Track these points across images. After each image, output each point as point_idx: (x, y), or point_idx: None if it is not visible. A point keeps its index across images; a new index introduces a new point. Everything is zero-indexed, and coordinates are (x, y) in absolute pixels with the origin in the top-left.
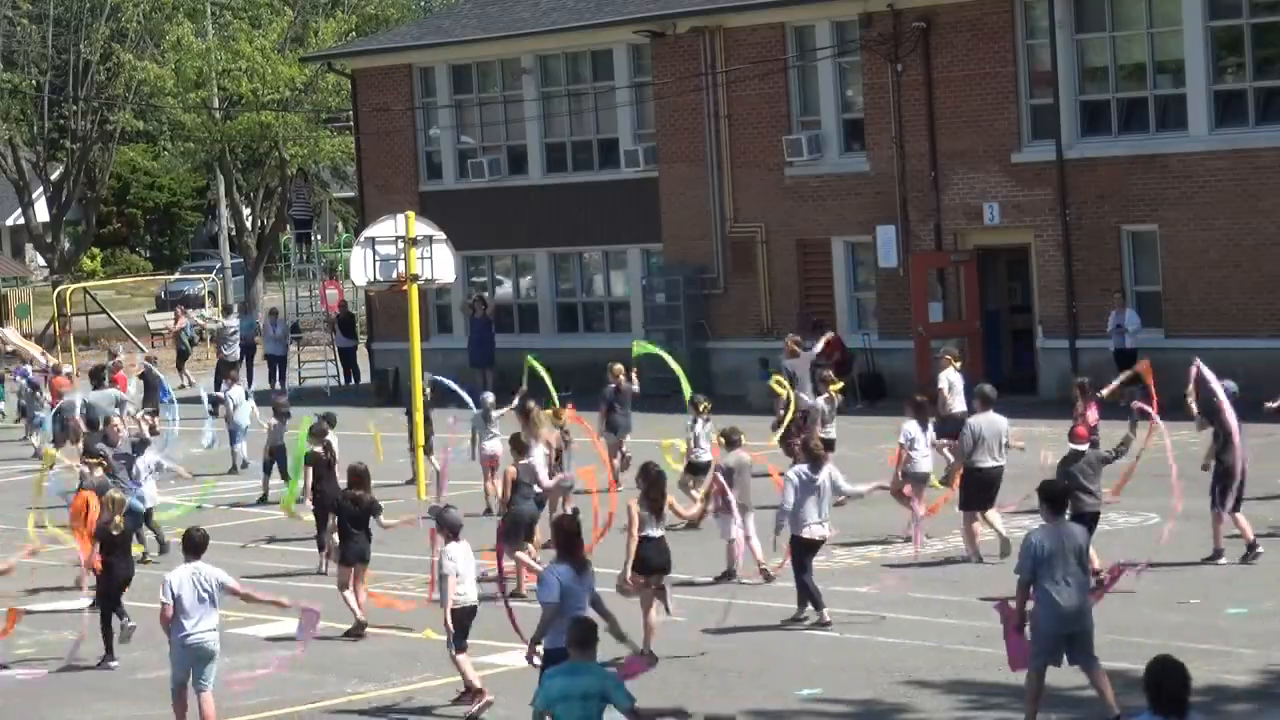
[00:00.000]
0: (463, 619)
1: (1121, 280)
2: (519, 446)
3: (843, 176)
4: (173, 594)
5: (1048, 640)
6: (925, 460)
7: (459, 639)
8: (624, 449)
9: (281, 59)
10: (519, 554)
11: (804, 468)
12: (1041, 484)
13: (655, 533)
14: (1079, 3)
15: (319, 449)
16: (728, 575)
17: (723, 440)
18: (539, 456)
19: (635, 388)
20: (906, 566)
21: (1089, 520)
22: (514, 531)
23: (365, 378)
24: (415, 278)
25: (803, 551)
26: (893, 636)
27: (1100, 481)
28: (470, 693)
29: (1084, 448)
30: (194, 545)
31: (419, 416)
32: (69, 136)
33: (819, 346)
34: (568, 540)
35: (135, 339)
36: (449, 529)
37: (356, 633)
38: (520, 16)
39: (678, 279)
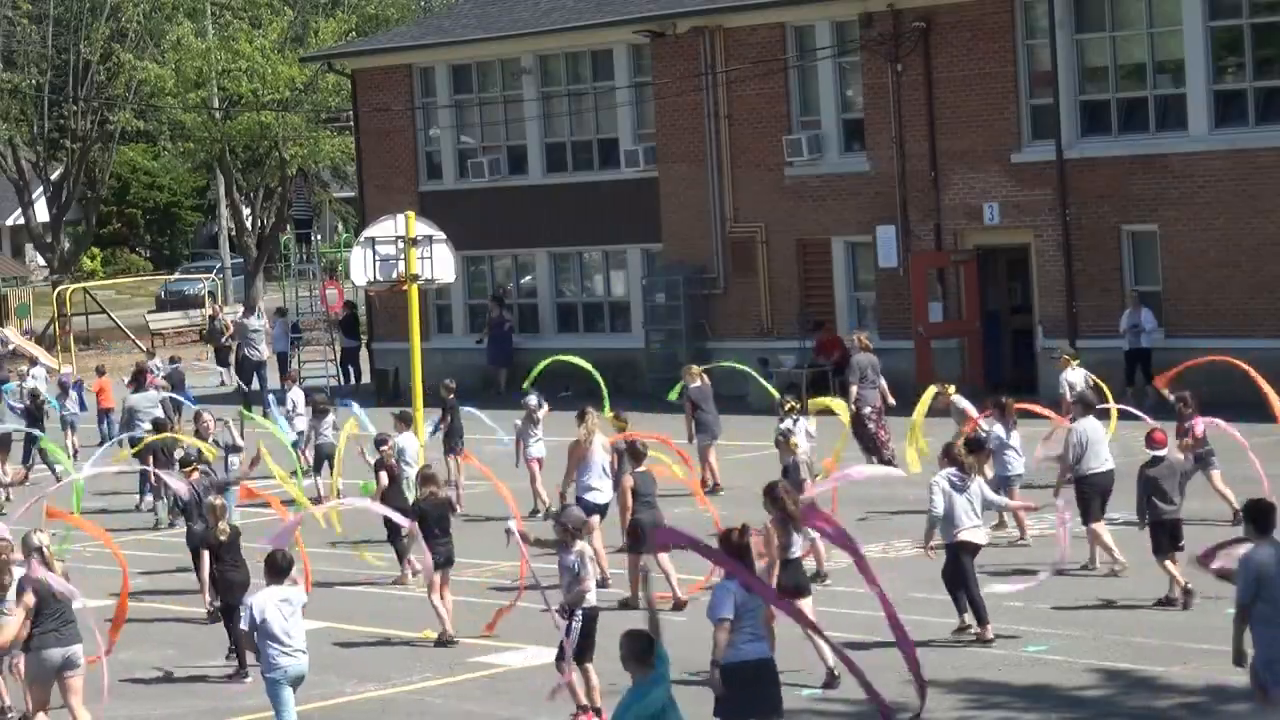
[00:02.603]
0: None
1: (1121, 280)
2: (636, 455)
3: (843, 176)
4: (254, 619)
5: (1269, 667)
6: (1018, 462)
7: (581, 649)
8: (711, 459)
9: (281, 59)
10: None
11: (951, 471)
12: (1248, 502)
13: (794, 553)
14: (1079, 3)
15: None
16: (818, 577)
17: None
18: (596, 461)
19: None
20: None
21: (1169, 529)
22: (637, 540)
23: (366, 378)
24: (415, 278)
25: (960, 556)
26: (893, 636)
27: (1181, 490)
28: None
29: (1163, 453)
30: (278, 569)
31: (419, 416)
32: (69, 136)
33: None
34: (735, 554)
35: (135, 339)
36: (570, 529)
37: (445, 641)
38: (520, 16)
39: (678, 279)
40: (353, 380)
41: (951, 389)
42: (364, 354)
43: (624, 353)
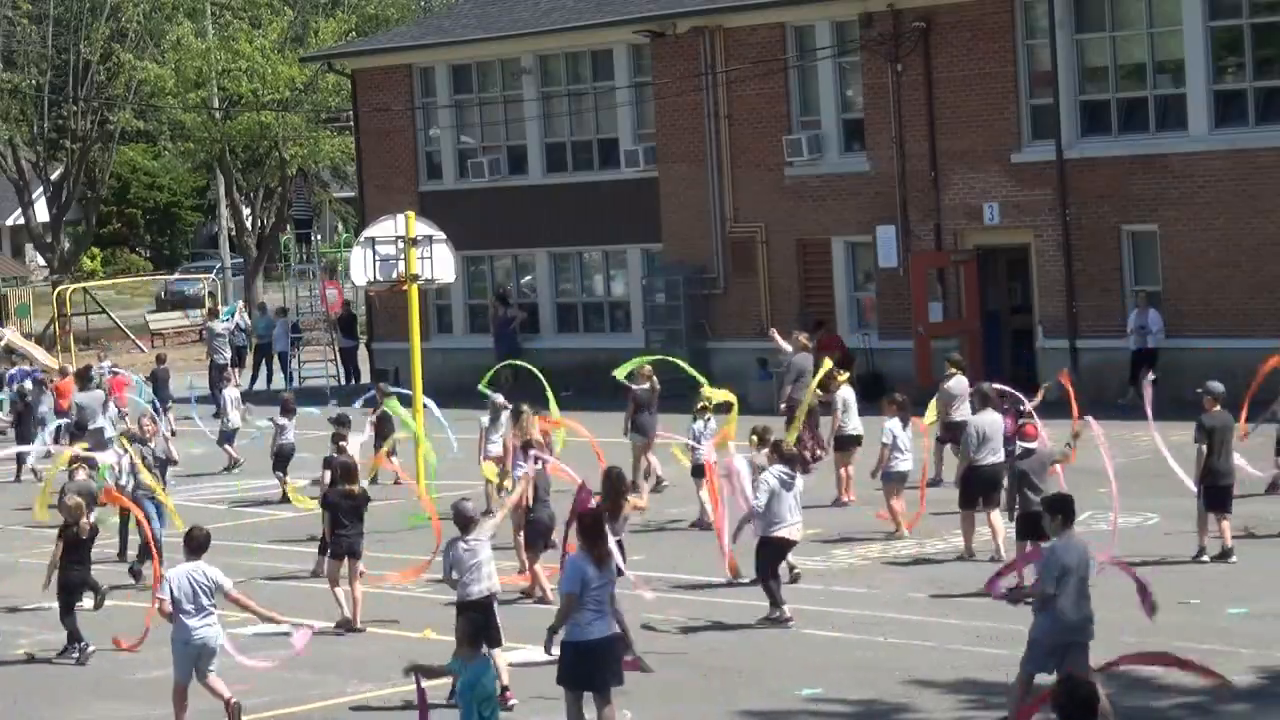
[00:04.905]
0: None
1: (1121, 280)
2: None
3: (843, 176)
4: (172, 592)
5: (1043, 649)
6: (905, 460)
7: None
8: (650, 455)
9: (281, 59)
10: (537, 566)
11: (781, 469)
12: (1048, 497)
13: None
14: (1079, 3)
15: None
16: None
17: (755, 438)
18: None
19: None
20: (905, 565)
21: (1035, 520)
22: (534, 538)
23: (365, 378)
24: (415, 278)
25: (773, 552)
26: (893, 636)
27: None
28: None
29: (1034, 445)
30: (196, 544)
31: (419, 417)
32: (69, 136)
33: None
34: (590, 533)
35: (135, 339)
36: (461, 521)
37: (345, 628)
38: (520, 16)
39: (678, 279)
40: (351, 380)
41: (844, 376)
42: (364, 354)
43: (624, 353)
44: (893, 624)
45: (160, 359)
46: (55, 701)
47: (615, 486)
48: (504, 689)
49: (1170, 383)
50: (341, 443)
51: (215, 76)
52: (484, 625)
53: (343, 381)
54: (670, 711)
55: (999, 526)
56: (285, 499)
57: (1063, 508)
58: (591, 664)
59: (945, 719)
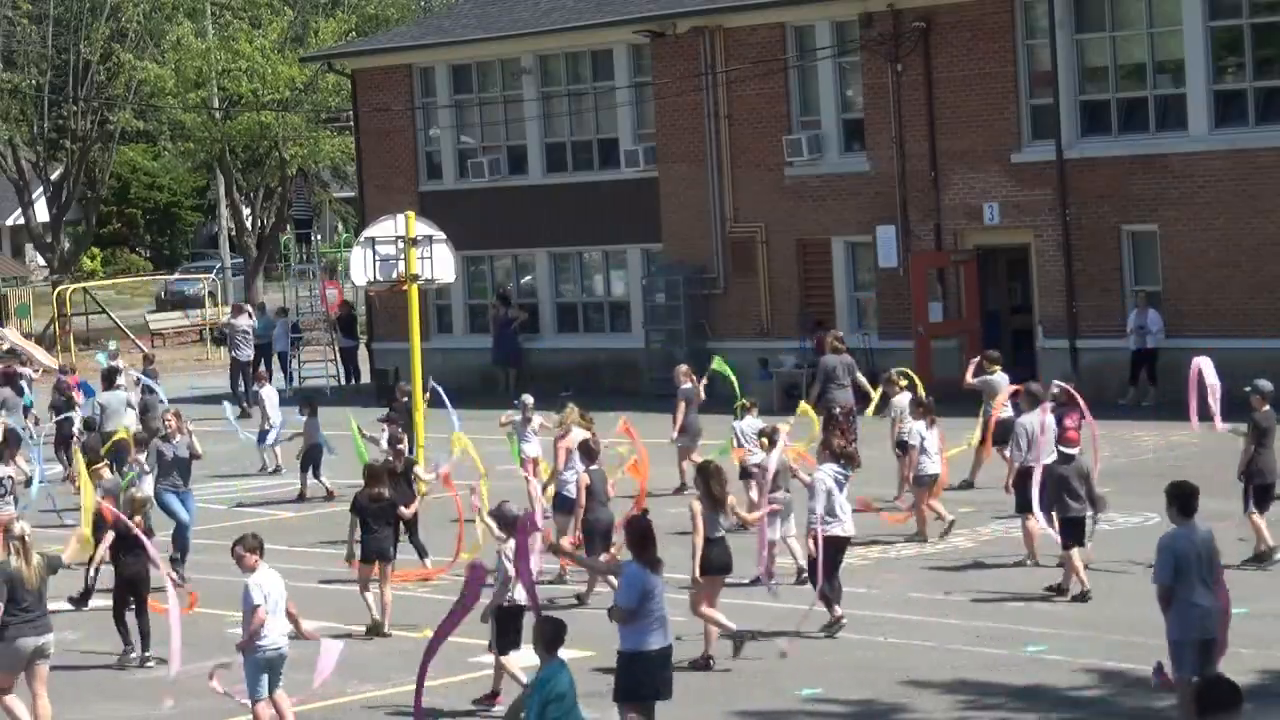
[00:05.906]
0: (511, 618)
1: (1121, 280)
2: (589, 452)
3: (843, 176)
4: (264, 598)
5: (1191, 647)
6: (934, 463)
7: (503, 640)
8: (694, 457)
9: (281, 59)
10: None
11: (835, 468)
12: (1170, 485)
13: (718, 533)
14: (1079, 3)
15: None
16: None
17: (765, 440)
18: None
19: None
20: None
21: (1075, 525)
22: (592, 539)
23: (365, 378)
24: (415, 278)
25: (836, 550)
26: (893, 636)
27: (1086, 487)
28: (490, 696)
29: (1074, 452)
30: (261, 549)
31: (419, 417)
32: (69, 136)
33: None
34: (640, 540)
35: (135, 339)
36: (505, 524)
37: (375, 632)
38: (520, 16)
39: (678, 279)
40: (351, 380)
41: (904, 382)
42: (364, 354)
43: (624, 353)
44: (892, 624)
45: (147, 360)
46: (56, 701)
47: (717, 478)
48: (495, 694)
49: (1170, 383)
50: (399, 445)
51: (215, 76)
52: (559, 634)
53: (343, 381)
54: (670, 712)
55: (1036, 530)
56: (301, 497)
57: (1178, 497)
58: (647, 674)
59: (943, 719)
